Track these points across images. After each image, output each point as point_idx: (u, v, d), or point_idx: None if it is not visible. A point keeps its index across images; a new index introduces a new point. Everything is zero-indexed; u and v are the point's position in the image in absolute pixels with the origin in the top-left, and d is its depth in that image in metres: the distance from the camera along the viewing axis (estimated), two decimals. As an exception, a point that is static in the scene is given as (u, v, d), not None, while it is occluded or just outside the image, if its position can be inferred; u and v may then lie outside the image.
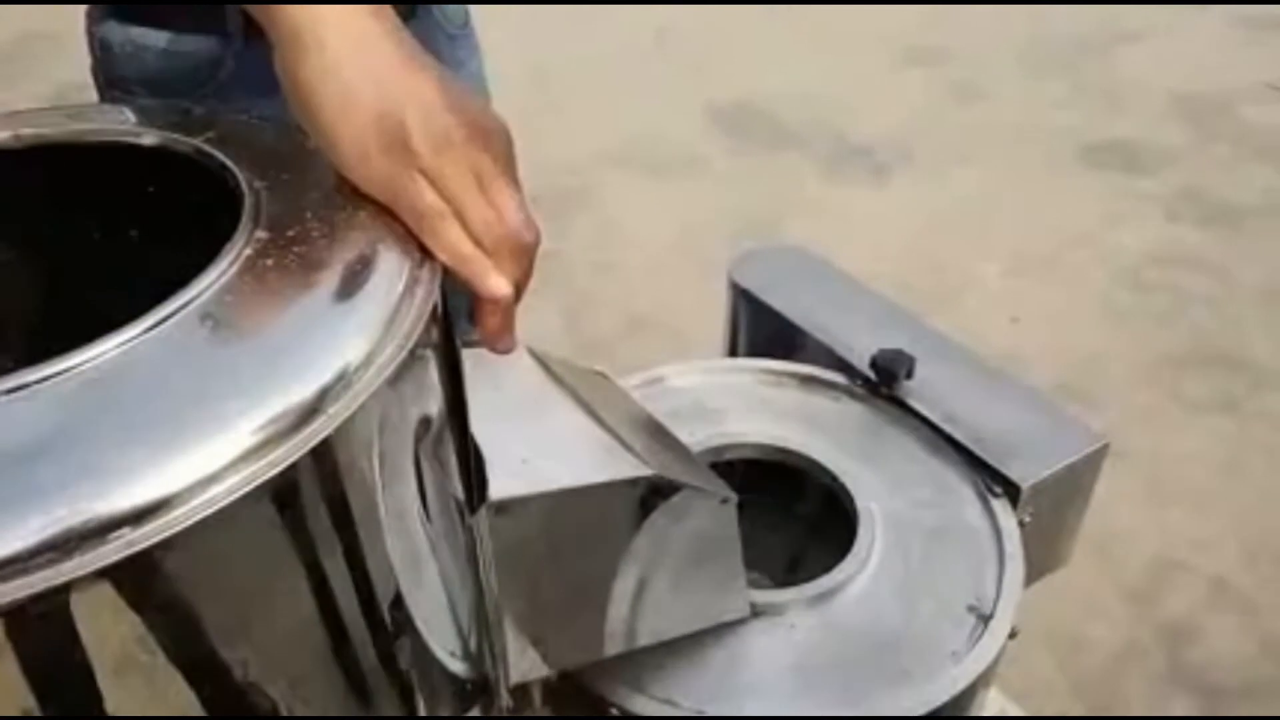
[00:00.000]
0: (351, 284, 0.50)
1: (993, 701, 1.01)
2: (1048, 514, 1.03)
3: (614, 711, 0.82)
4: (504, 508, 0.64)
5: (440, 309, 0.56)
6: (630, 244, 2.83)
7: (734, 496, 0.78)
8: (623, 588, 0.77)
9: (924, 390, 1.10)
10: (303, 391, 0.44)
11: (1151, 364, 2.43)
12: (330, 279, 0.50)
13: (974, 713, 0.91)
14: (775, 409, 1.09)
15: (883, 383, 1.10)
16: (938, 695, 0.83)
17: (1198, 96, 3.49)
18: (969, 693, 0.85)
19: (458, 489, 0.60)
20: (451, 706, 0.73)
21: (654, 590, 0.79)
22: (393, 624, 0.60)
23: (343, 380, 0.45)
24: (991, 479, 1.00)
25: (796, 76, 3.57)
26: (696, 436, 1.03)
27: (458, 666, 0.69)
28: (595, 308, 2.60)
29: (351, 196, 0.54)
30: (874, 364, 1.09)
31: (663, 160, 3.19)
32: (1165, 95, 3.49)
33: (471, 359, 0.81)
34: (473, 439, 0.67)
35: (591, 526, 0.71)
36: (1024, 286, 2.71)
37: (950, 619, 0.89)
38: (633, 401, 0.90)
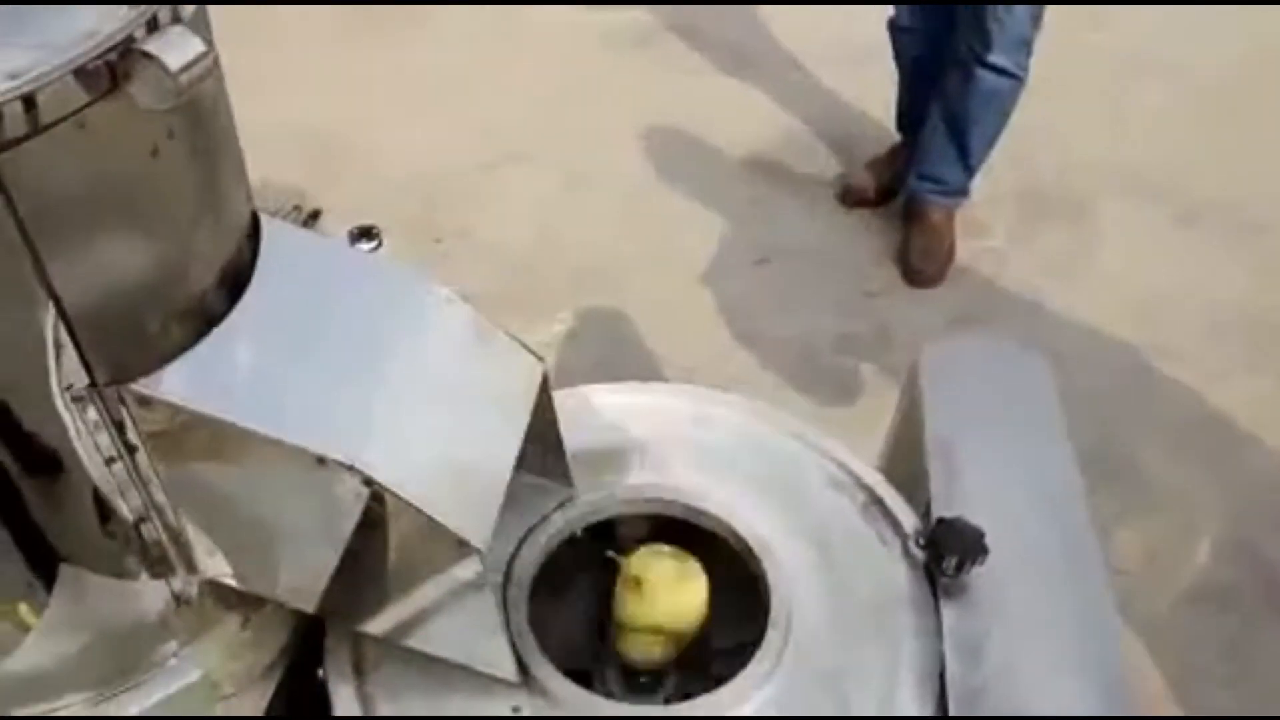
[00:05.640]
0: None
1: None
2: None
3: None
4: (146, 401, 0.62)
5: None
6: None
7: (478, 549, 0.67)
8: (329, 562, 0.71)
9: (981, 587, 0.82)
10: None
11: None
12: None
13: None
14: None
15: (930, 559, 0.85)
16: None
17: None
18: None
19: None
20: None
21: (384, 590, 0.72)
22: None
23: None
24: None
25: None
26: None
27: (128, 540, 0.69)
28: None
29: None
30: (932, 535, 0.84)
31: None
32: None
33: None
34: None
35: (270, 476, 0.65)
36: None
37: None
38: (517, 411, 0.78)
